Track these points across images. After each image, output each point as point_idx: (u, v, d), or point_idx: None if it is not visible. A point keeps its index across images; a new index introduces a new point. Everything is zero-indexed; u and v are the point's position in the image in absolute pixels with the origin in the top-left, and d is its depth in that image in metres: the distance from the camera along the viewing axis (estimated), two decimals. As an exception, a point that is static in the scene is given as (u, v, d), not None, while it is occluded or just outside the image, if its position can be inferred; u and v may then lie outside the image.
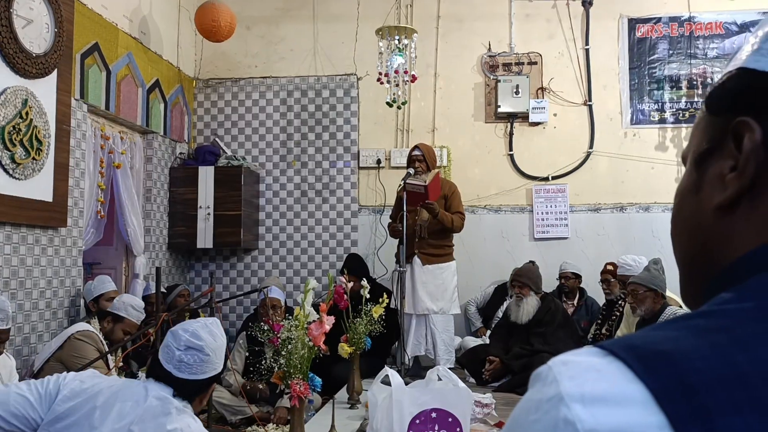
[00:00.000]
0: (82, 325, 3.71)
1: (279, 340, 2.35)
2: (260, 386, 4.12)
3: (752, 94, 0.48)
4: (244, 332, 4.48)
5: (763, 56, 0.48)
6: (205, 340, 1.83)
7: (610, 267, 5.00)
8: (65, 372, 1.87)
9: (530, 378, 0.45)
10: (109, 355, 3.59)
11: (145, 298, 4.59)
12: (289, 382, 2.30)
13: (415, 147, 4.70)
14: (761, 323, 0.42)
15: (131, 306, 3.85)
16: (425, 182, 4.32)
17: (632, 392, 0.40)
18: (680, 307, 4.00)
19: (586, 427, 0.39)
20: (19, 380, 2.89)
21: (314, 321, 2.39)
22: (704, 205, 0.52)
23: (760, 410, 0.38)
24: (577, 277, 5.31)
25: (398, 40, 4.85)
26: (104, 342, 3.68)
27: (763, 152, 0.47)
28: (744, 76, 0.49)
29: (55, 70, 3.99)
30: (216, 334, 1.89)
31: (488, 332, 5.19)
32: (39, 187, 3.89)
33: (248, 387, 4.14)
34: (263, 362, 2.46)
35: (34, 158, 3.81)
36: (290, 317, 2.45)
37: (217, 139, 6.10)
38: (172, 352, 1.82)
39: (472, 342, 5.05)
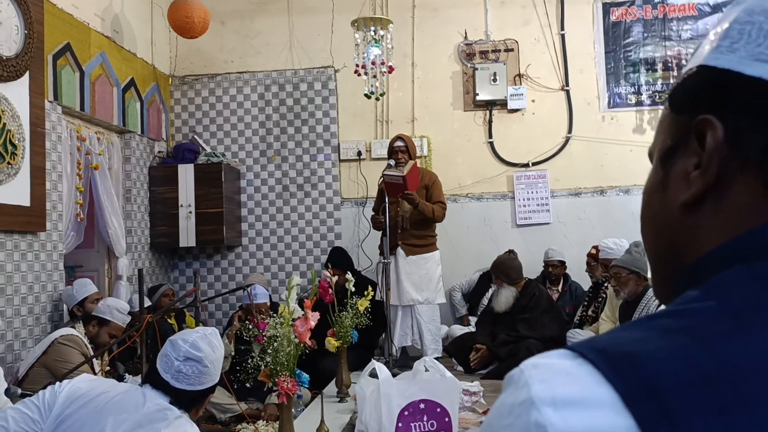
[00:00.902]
0: (66, 330, 3.68)
1: (264, 338, 2.35)
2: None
3: (713, 92, 0.48)
4: (227, 333, 4.49)
5: (722, 53, 0.48)
6: (204, 352, 1.83)
7: (593, 251, 5.05)
8: (52, 378, 1.86)
9: (503, 381, 0.46)
10: (94, 359, 3.56)
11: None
12: (277, 379, 2.30)
13: (398, 138, 4.69)
14: (724, 323, 0.43)
15: (116, 309, 3.83)
16: (403, 173, 4.33)
17: (601, 395, 0.40)
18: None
19: (557, 431, 0.40)
20: (6, 388, 2.86)
21: (299, 318, 2.39)
22: (670, 203, 0.52)
23: (725, 413, 0.38)
24: (563, 264, 5.36)
25: (374, 31, 4.83)
26: (89, 346, 3.65)
27: (726, 149, 0.48)
28: (704, 73, 0.49)
29: (27, 72, 3.93)
30: (215, 345, 1.89)
31: (473, 319, 5.23)
32: (15, 191, 3.83)
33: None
34: (249, 360, 2.45)
35: (9, 163, 3.75)
36: (275, 315, 2.44)
37: (195, 136, 6.05)
38: (171, 362, 1.82)
39: (459, 330, 5.08)
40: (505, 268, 4.55)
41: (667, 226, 0.53)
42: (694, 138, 0.50)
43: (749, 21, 0.47)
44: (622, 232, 5.24)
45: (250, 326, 2.56)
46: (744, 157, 0.47)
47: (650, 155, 0.58)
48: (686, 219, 0.51)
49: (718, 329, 0.42)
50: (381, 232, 4.59)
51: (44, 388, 1.90)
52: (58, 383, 1.83)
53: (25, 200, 3.93)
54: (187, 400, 1.82)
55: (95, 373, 3.37)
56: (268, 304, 4.40)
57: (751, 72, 0.46)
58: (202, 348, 1.83)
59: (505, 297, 4.44)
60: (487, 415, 0.46)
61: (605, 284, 4.54)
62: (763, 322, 0.42)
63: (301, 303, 2.50)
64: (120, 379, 4.37)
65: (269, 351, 2.31)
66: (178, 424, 1.74)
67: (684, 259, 0.52)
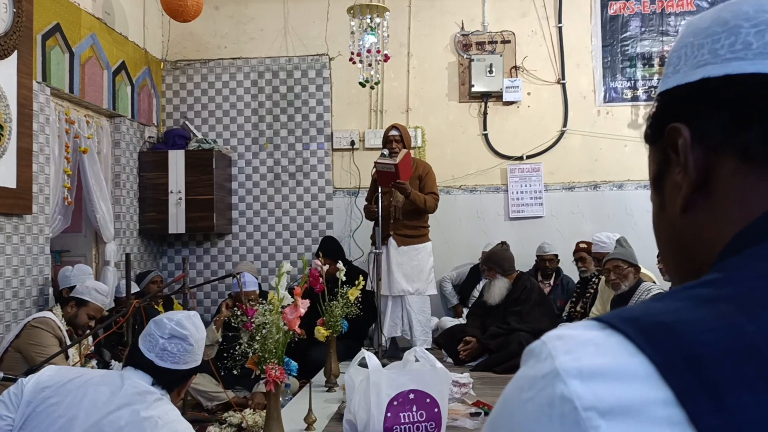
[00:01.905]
0: (40, 313, 3.60)
1: (253, 325, 2.31)
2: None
3: (672, 109, 0.54)
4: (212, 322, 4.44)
5: (669, 77, 0.55)
6: (189, 330, 1.82)
7: (583, 245, 5.03)
8: (25, 363, 1.82)
9: (522, 355, 0.42)
10: (72, 343, 3.49)
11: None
12: (265, 367, 2.26)
13: (393, 127, 4.65)
14: (766, 289, 0.40)
15: (95, 290, 3.73)
16: (395, 161, 4.28)
17: (634, 366, 0.37)
18: (653, 282, 4.05)
19: (585, 405, 0.37)
20: None
21: (289, 305, 2.34)
22: (672, 216, 0.55)
23: None
24: (557, 258, 5.35)
25: (370, 18, 4.77)
26: (63, 329, 3.55)
27: (697, 147, 0.51)
28: (661, 98, 0.56)
29: (15, 51, 3.85)
30: (198, 326, 1.89)
31: (465, 311, 5.21)
32: (1, 173, 3.77)
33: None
34: (237, 347, 2.41)
35: (-5, 143, 3.68)
36: (264, 302, 2.40)
37: (186, 122, 5.98)
38: (156, 341, 1.80)
39: (449, 322, 5.05)
40: (498, 258, 4.52)
41: (675, 236, 0.56)
42: (671, 150, 0.54)
43: (683, 45, 0.55)
44: (614, 226, 5.23)
45: (239, 313, 2.52)
46: (712, 144, 0.51)
47: (651, 197, 0.62)
48: (688, 222, 0.53)
49: (760, 297, 0.40)
50: (373, 222, 4.55)
51: (23, 374, 1.86)
52: (22, 379, 1.79)
53: (11, 182, 3.86)
54: (170, 381, 1.79)
55: (67, 359, 3.29)
56: (258, 292, 4.36)
57: (695, 77, 0.52)
58: (187, 326, 1.82)
59: (499, 289, 4.41)
60: (504, 390, 0.42)
61: (593, 279, 4.53)
62: None
63: (291, 291, 2.46)
64: (106, 365, 4.32)
65: (257, 338, 2.27)
66: (157, 405, 1.70)
67: (699, 259, 0.52)
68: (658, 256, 4.70)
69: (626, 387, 0.37)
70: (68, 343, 3.45)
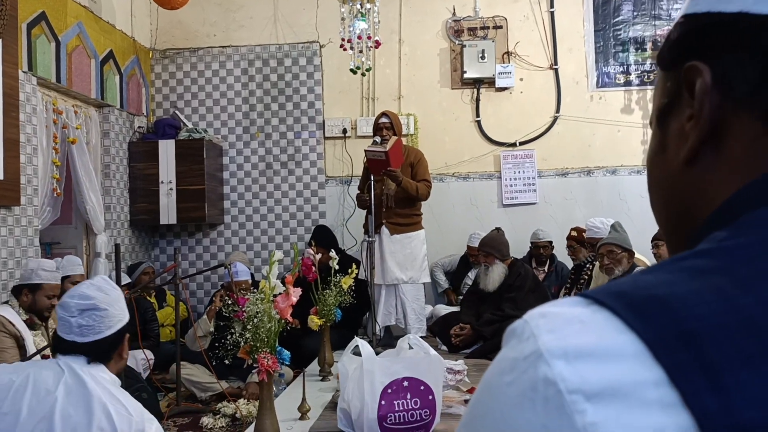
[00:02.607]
0: None
1: (244, 314, 2.28)
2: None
3: (697, 39, 0.47)
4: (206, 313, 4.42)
5: None
6: (95, 298, 1.77)
7: (574, 233, 5.01)
8: None
9: (503, 335, 0.39)
10: (31, 332, 3.34)
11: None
12: (257, 356, 2.23)
13: (383, 114, 4.60)
14: (763, 260, 0.37)
15: (42, 269, 3.38)
16: (386, 149, 4.24)
17: (623, 344, 0.34)
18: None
19: (569, 387, 0.33)
20: None
21: (280, 293, 2.31)
22: (672, 164, 0.49)
23: None
24: (551, 244, 5.33)
25: (360, 4, 4.71)
26: (17, 323, 3.23)
27: (716, 94, 0.45)
28: (687, 23, 0.48)
29: (0, 40, 3.79)
30: (104, 288, 1.82)
31: (458, 297, 5.20)
32: (-12, 164, 3.71)
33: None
34: (229, 337, 2.38)
35: (-20, 134, 3.62)
36: (255, 290, 2.37)
37: (176, 111, 5.92)
38: (68, 322, 1.76)
39: (443, 310, 5.04)
40: (496, 243, 4.49)
41: (673, 187, 0.50)
42: (685, 90, 0.47)
43: None
44: (608, 212, 5.22)
45: (230, 302, 2.49)
46: (735, 97, 0.44)
47: (651, 124, 0.55)
48: (690, 175, 0.48)
49: (757, 268, 0.36)
50: (366, 210, 4.51)
51: None
52: None
53: (-2, 173, 3.80)
54: (103, 350, 1.75)
55: (25, 355, 3.20)
56: (250, 281, 4.33)
57: (732, 8, 0.44)
58: (90, 295, 1.77)
59: (497, 274, 4.39)
60: (485, 374, 0.39)
61: (587, 265, 4.51)
62: None
63: (283, 280, 2.43)
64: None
65: (249, 327, 2.24)
66: (96, 379, 1.68)
67: (697, 217, 0.47)
68: (652, 241, 4.70)
69: (614, 367, 0.34)
70: (27, 334, 3.28)
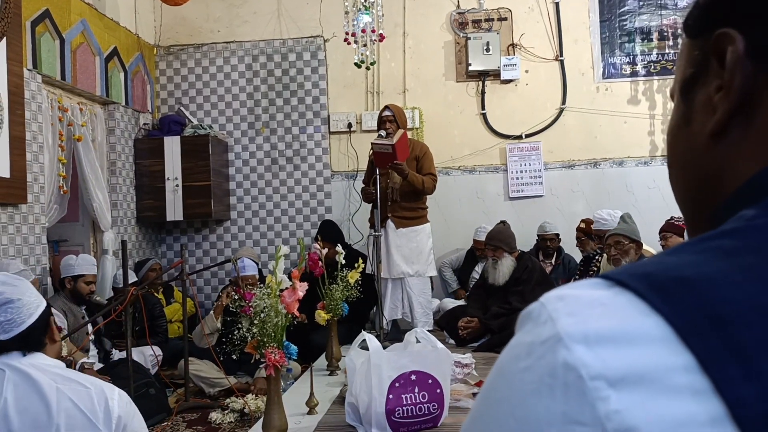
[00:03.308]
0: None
1: (251, 309, 2.28)
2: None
3: (729, 4, 0.44)
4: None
5: None
6: (4, 292, 1.73)
7: (583, 225, 4.99)
8: None
9: (518, 319, 0.37)
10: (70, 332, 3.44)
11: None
12: (264, 351, 2.23)
13: (386, 107, 4.59)
14: None
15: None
16: (392, 141, 4.23)
17: (648, 328, 0.32)
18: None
19: (591, 373, 0.32)
20: None
21: (287, 288, 2.31)
22: (697, 137, 0.47)
23: None
24: (558, 237, 5.31)
25: (364, -3, 4.70)
26: (60, 320, 3.55)
27: (749, 64, 0.42)
28: None
29: (4, 39, 3.79)
30: (8, 281, 1.77)
31: (466, 294, 5.18)
32: (-6, 162, 3.72)
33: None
34: (236, 332, 2.38)
35: (-14, 132, 3.63)
36: (262, 286, 2.37)
37: (181, 108, 5.92)
38: None
39: (450, 304, 5.03)
40: (504, 236, 4.47)
41: (697, 162, 0.47)
42: (714, 59, 0.44)
43: None
44: (615, 204, 5.19)
45: (236, 297, 2.49)
46: None
47: (671, 95, 0.52)
48: (717, 150, 0.45)
49: None
50: (371, 204, 4.50)
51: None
52: None
53: (4, 171, 3.81)
54: (33, 339, 1.72)
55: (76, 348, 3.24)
56: (257, 276, 4.33)
57: None
58: None
59: (507, 267, 4.37)
60: (498, 359, 0.38)
61: (596, 257, 4.49)
62: None
63: (290, 275, 2.43)
64: (107, 354, 4.31)
65: (256, 322, 2.24)
66: (36, 362, 1.67)
67: (722, 194, 0.45)
68: (660, 233, 4.68)
69: (639, 352, 0.32)
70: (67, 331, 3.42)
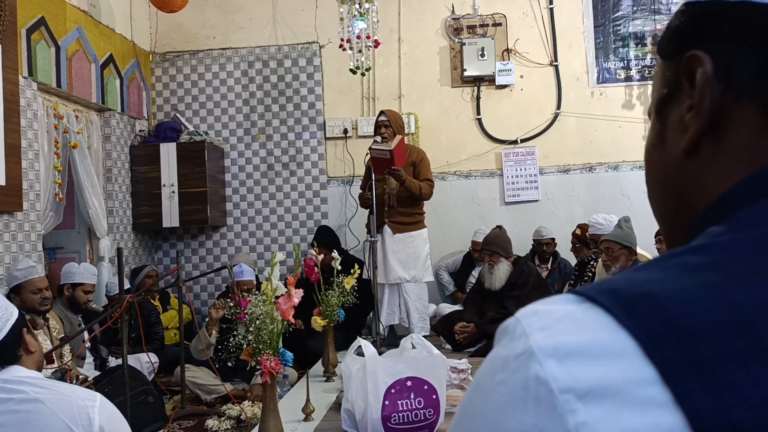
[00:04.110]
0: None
1: (246, 316, 2.28)
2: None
3: (698, 27, 0.46)
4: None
5: None
6: None
7: (578, 231, 5.00)
8: None
9: (496, 333, 0.39)
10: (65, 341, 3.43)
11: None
12: (259, 358, 2.23)
13: (381, 113, 4.61)
14: (761, 257, 0.36)
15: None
16: (390, 147, 4.24)
17: (615, 342, 0.34)
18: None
19: (561, 386, 0.33)
20: None
21: (282, 295, 2.31)
22: (671, 155, 0.48)
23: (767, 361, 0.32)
24: (554, 241, 5.33)
25: (359, 4, 4.71)
26: (56, 329, 3.55)
27: (717, 84, 0.44)
28: (688, 10, 0.47)
29: (0, 46, 3.80)
30: None
31: (464, 295, 5.19)
32: (-11, 170, 3.72)
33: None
34: (231, 339, 2.38)
35: (-19, 140, 3.63)
36: (258, 292, 2.37)
37: (177, 114, 5.93)
38: None
39: (447, 309, 5.04)
40: (501, 241, 4.48)
41: (671, 179, 0.49)
42: (685, 79, 0.46)
43: None
44: (610, 208, 5.20)
45: (232, 304, 2.49)
46: (737, 88, 0.43)
47: (649, 114, 0.54)
48: (689, 167, 0.47)
49: (753, 264, 0.36)
50: (368, 210, 4.51)
51: None
52: None
53: (0, 179, 3.81)
54: (7, 353, 1.65)
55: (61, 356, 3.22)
56: (254, 282, 4.32)
57: None
58: None
59: (503, 272, 4.38)
60: (477, 372, 0.39)
61: (591, 262, 4.50)
62: None
63: (285, 281, 2.43)
64: (103, 362, 4.30)
65: (251, 329, 2.24)
66: (11, 375, 1.64)
67: (695, 211, 0.46)
68: (656, 237, 4.69)
69: (606, 366, 0.33)
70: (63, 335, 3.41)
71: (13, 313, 1.70)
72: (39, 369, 1.74)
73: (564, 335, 0.35)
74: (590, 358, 0.34)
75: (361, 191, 4.76)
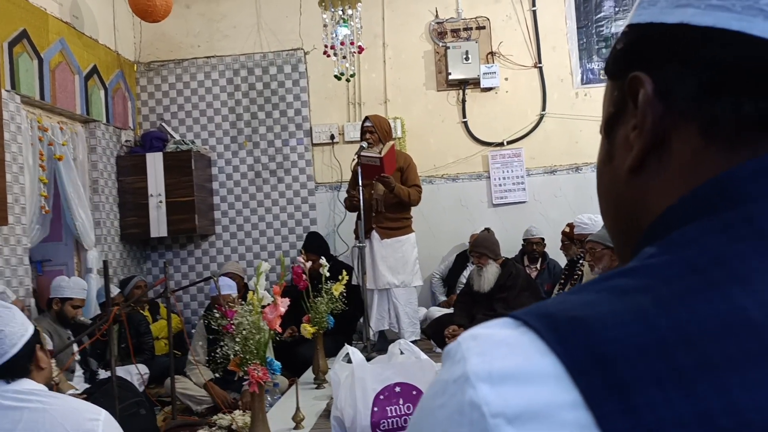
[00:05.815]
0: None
1: (233, 326, 2.28)
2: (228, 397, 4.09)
3: (640, 49, 0.47)
4: (202, 321, 4.39)
5: (645, 9, 0.47)
6: None
7: (567, 229, 5.03)
8: None
9: (442, 355, 0.40)
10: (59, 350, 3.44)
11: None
12: (247, 368, 2.23)
13: (366, 118, 4.61)
14: (686, 279, 0.37)
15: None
16: (380, 154, 4.24)
17: (544, 367, 0.35)
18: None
19: (492, 410, 0.34)
20: None
21: (268, 304, 2.32)
22: (618, 173, 0.49)
23: (685, 382, 0.33)
24: (544, 241, 5.35)
25: (342, 10, 4.72)
26: (45, 341, 3.52)
27: (659, 105, 0.45)
28: (631, 33, 0.48)
29: (-19, 60, 3.78)
30: None
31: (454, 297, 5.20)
32: (-27, 185, 3.70)
33: (214, 380, 4.08)
34: (218, 350, 2.38)
35: (-35, 155, 3.61)
36: (243, 303, 2.37)
37: (163, 124, 5.91)
38: None
39: (437, 312, 5.04)
40: (489, 243, 4.49)
41: (619, 196, 0.50)
42: (630, 99, 0.47)
43: None
44: (597, 208, 5.22)
45: (218, 315, 2.49)
46: (678, 108, 0.44)
47: (600, 131, 0.54)
48: (635, 185, 0.48)
49: (678, 287, 0.37)
50: (356, 215, 4.51)
51: None
52: None
53: (-16, 193, 3.79)
54: (16, 368, 1.68)
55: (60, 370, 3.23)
56: (235, 294, 4.28)
57: (672, 19, 0.44)
58: None
59: (492, 275, 4.38)
60: (423, 394, 0.41)
61: (581, 261, 4.52)
62: (729, 276, 0.37)
63: (271, 290, 2.43)
64: (93, 374, 4.28)
65: (238, 339, 2.24)
66: (21, 387, 1.65)
67: (641, 228, 0.48)
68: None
69: (535, 390, 0.34)
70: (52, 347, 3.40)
71: (29, 329, 1.74)
72: (47, 384, 1.77)
73: (498, 360, 0.36)
74: (521, 382, 0.35)
75: (347, 195, 4.74)
